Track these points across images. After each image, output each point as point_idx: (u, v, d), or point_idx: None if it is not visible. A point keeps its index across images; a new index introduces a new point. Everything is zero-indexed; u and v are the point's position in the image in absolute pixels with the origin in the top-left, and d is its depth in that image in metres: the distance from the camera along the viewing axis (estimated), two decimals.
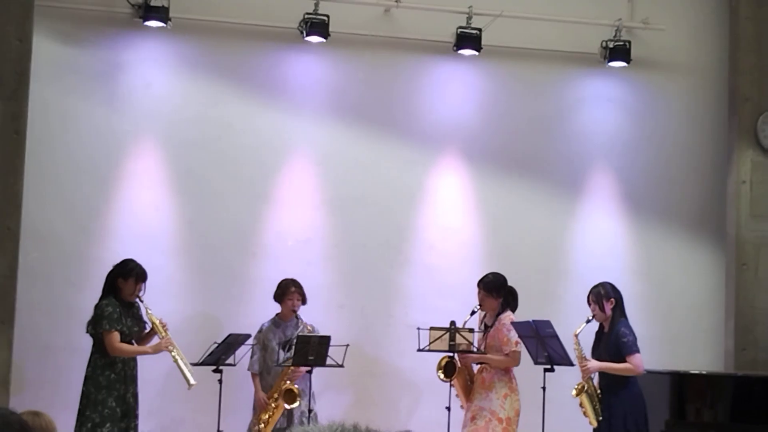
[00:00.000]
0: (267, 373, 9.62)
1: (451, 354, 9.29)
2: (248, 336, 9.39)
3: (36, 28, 9.55)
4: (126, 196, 10.36)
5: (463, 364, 9.40)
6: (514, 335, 9.24)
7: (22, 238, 9.36)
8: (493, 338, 9.31)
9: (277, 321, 9.74)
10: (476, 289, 9.48)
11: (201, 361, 9.10)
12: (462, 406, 9.44)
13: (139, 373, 9.08)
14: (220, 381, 9.09)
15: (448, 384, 9.32)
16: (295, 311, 9.63)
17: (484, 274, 9.60)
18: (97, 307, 8.95)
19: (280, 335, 9.62)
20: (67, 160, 10.26)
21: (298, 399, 9.33)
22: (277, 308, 9.78)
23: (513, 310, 9.47)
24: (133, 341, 9.04)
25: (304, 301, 9.71)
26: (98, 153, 10.32)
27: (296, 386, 9.34)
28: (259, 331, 9.71)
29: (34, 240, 9.88)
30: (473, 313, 9.41)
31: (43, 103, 9.97)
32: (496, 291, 9.43)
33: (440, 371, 9.39)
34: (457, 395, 9.43)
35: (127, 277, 8.98)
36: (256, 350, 9.65)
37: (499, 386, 9.28)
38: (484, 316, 9.52)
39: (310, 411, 9.30)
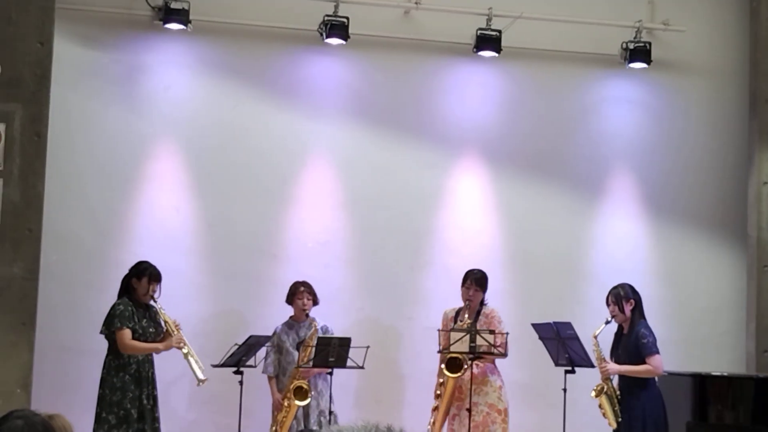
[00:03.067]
0: (283, 375, 9.63)
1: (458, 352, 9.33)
2: (269, 337, 9.42)
3: (57, 30, 9.57)
4: (146, 199, 10.39)
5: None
6: (504, 327, 9.42)
7: (43, 241, 9.39)
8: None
9: (291, 323, 9.75)
10: (474, 287, 9.57)
11: (222, 362, 9.12)
12: (435, 408, 9.50)
13: (158, 374, 9.09)
14: (241, 382, 9.10)
15: (470, 387, 9.32)
16: (305, 311, 9.63)
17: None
18: (111, 307, 9.00)
19: (294, 336, 9.64)
20: (88, 163, 10.29)
21: (309, 396, 9.33)
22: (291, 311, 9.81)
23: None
24: None
25: (315, 302, 9.71)
26: (118, 155, 10.35)
27: (307, 383, 9.34)
28: (273, 334, 9.72)
29: (55, 242, 9.91)
30: (466, 308, 9.48)
31: (63, 106, 9.99)
32: (485, 286, 9.67)
33: (443, 365, 9.40)
34: (438, 392, 9.47)
35: (140, 277, 9.01)
36: (271, 353, 9.66)
37: (492, 379, 9.46)
38: (457, 314, 9.58)
39: (330, 413, 9.32)
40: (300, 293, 9.67)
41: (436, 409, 9.57)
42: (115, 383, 8.83)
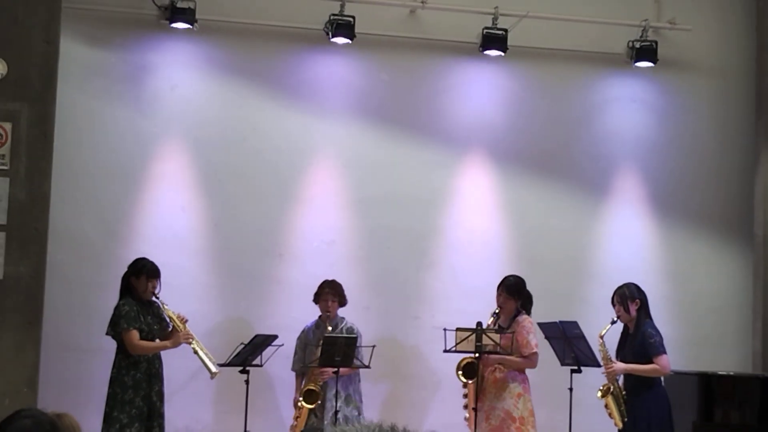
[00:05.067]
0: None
1: (472, 355, 9.28)
2: (275, 337, 9.40)
3: (63, 30, 9.57)
4: (152, 198, 10.39)
5: (484, 364, 9.37)
6: (533, 338, 9.31)
7: (50, 240, 9.37)
8: (510, 340, 9.29)
9: (319, 322, 9.77)
10: (504, 294, 9.50)
11: (228, 362, 9.13)
12: (466, 407, 9.45)
13: (166, 373, 9.11)
14: (247, 382, 9.12)
15: (473, 384, 9.31)
16: (328, 312, 9.63)
17: (509, 275, 9.60)
18: (115, 308, 9.01)
19: (319, 336, 9.62)
20: (94, 162, 10.30)
21: (319, 399, 9.34)
22: (305, 310, 9.80)
23: (528, 314, 9.50)
24: (157, 339, 9.08)
25: (341, 303, 9.71)
26: (125, 155, 10.36)
27: (317, 386, 9.36)
28: (302, 332, 9.76)
29: (61, 241, 9.91)
30: (496, 315, 9.43)
31: (70, 105, 10.00)
32: (517, 293, 9.49)
33: (459, 372, 9.38)
34: (466, 395, 9.45)
35: (138, 275, 9.01)
36: (298, 350, 9.70)
37: (512, 386, 9.33)
38: (497, 318, 9.52)
39: (337, 412, 9.33)
40: (324, 294, 9.68)
41: (467, 407, 9.51)
42: (126, 382, 8.84)
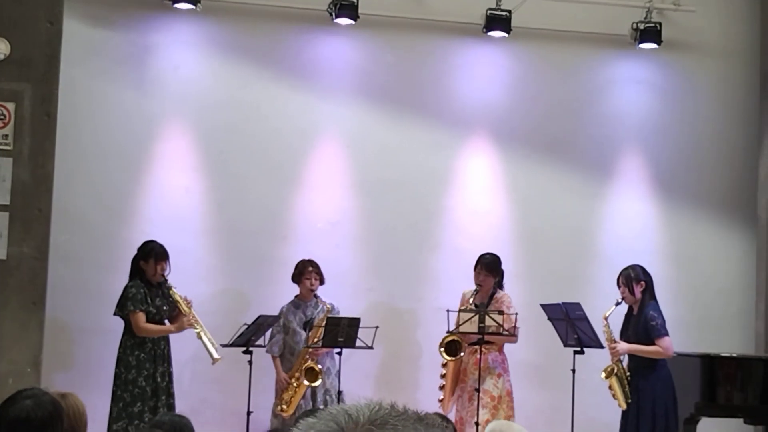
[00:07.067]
0: (290, 354, 9.64)
1: (454, 333, 9.38)
2: (278, 318, 9.43)
3: (66, 10, 9.56)
4: (155, 179, 10.40)
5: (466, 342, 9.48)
6: (513, 311, 9.38)
7: (53, 221, 9.39)
8: (514, 321, 9.38)
9: (297, 302, 9.76)
10: (483, 272, 9.60)
11: (231, 342, 9.17)
12: (441, 387, 9.58)
13: (171, 353, 9.20)
14: (250, 362, 9.14)
15: (478, 368, 9.34)
16: (313, 291, 9.64)
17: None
18: (123, 289, 9.15)
19: (300, 316, 9.65)
20: (97, 143, 10.31)
21: (320, 377, 9.36)
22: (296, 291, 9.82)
23: (502, 290, 9.68)
24: (167, 321, 9.20)
25: (322, 281, 9.72)
26: (128, 135, 10.36)
27: (318, 365, 9.38)
28: (280, 314, 9.72)
29: (65, 222, 9.92)
30: (476, 292, 9.55)
31: (73, 86, 9.99)
32: (496, 270, 9.61)
33: (441, 349, 9.46)
34: (443, 375, 9.53)
35: (147, 258, 9.17)
36: (276, 332, 9.67)
37: (492, 367, 9.44)
38: (472, 296, 9.59)
39: (340, 392, 9.34)
40: (308, 273, 9.67)
41: (443, 387, 9.63)
42: (130, 362, 9.01)
